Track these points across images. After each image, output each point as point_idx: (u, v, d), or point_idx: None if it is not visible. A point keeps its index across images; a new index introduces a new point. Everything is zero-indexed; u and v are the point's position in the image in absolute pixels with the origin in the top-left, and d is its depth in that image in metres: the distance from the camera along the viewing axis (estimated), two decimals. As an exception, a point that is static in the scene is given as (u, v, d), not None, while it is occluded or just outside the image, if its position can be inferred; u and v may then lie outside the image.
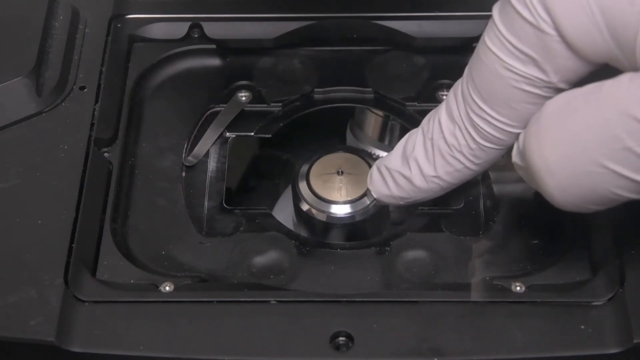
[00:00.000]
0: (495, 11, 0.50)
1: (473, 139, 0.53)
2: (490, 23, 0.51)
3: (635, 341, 0.52)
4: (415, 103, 0.67)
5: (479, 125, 0.52)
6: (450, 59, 0.68)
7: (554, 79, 0.49)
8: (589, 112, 0.47)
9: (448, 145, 0.54)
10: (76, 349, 0.53)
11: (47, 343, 0.52)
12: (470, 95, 0.52)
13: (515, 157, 0.52)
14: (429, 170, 0.56)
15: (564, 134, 0.48)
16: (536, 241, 0.59)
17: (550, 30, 0.48)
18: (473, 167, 0.55)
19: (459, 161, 0.54)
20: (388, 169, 0.58)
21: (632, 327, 0.52)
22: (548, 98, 0.50)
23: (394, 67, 0.68)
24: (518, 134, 0.52)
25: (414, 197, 0.57)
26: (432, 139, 0.55)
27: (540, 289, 0.56)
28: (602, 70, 0.48)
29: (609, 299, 0.54)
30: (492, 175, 0.63)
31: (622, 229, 0.56)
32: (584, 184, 0.48)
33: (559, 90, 0.50)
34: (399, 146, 0.58)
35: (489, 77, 0.51)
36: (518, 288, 0.56)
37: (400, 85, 0.67)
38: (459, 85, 0.54)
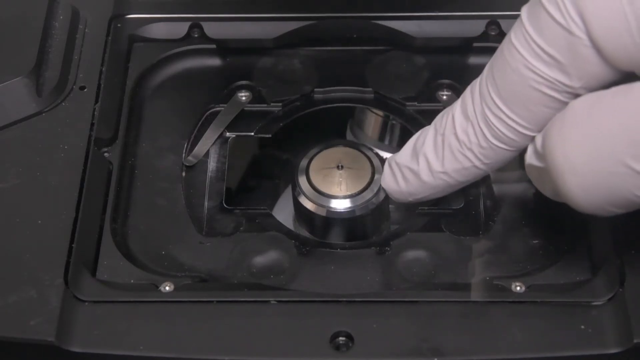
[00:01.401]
0: (524, 11, 0.50)
1: (485, 137, 0.53)
2: (517, 22, 0.50)
3: (635, 341, 0.52)
4: (415, 103, 0.67)
5: (493, 124, 0.52)
6: (450, 59, 0.68)
7: (577, 84, 0.49)
8: (617, 112, 0.47)
9: (459, 142, 0.54)
10: (76, 349, 0.53)
11: (47, 343, 0.52)
12: (489, 92, 0.52)
13: (530, 159, 0.52)
14: (437, 165, 0.56)
15: (590, 133, 0.48)
16: (536, 241, 0.59)
17: (580, 33, 0.47)
18: (481, 166, 0.55)
19: (468, 159, 0.54)
20: (398, 164, 0.58)
21: (632, 327, 0.52)
22: (566, 104, 0.50)
23: (394, 67, 0.68)
24: (529, 139, 0.52)
25: (421, 193, 0.57)
26: (443, 135, 0.55)
27: (540, 289, 0.56)
28: (624, 81, 0.48)
29: (609, 299, 0.54)
30: (492, 175, 0.63)
31: (622, 229, 0.56)
32: (607, 185, 0.48)
33: (578, 97, 0.49)
34: (410, 142, 0.58)
35: (510, 76, 0.51)
36: (518, 288, 0.56)
37: (400, 85, 0.67)
38: (477, 82, 0.54)
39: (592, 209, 0.50)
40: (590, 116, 0.48)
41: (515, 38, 0.50)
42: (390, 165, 0.59)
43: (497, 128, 0.52)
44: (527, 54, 0.50)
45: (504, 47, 0.51)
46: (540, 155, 0.51)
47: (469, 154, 0.54)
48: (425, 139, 0.56)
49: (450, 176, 0.56)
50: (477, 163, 0.54)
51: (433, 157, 0.56)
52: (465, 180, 0.56)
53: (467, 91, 0.54)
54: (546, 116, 0.51)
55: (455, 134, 0.54)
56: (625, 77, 0.49)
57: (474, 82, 0.54)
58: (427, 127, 0.57)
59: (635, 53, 0.47)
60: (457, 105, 0.55)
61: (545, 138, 0.50)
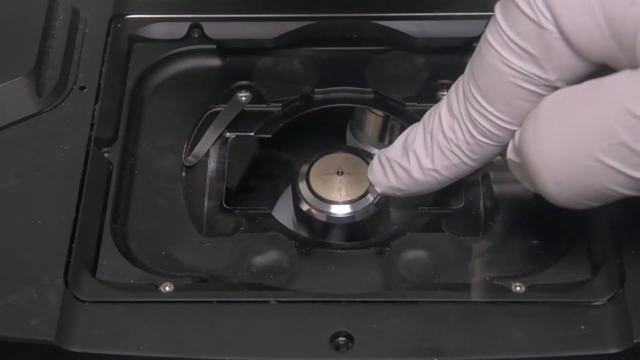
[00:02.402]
0: (498, 7, 0.51)
1: (471, 134, 0.53)
2: (492, 19, 0.51)
3: (635, 341, 0.52)
4: (415, 103, 0.67)
5: (476, 120, 0.53)
6: (450, 59, 0.68)
7: (552, 76, 0.49)
8: (587, 107, 0.47)
9: (446, 139, 0.55)
10: (76, 349, 0.53)
11: (47, 343, 0.52)
12: (470, 90, 0.52)
13: (510, 154, 0.53)
14: (427, 163, 0.56)
15: (562, 128, 0.48)
16: (536, 241, 0.59)
17: (550, 26, 0.48)
18: (469, 162, 0.55)
19: (456, 155, 0.55)
20: (388, 159, 0.58)
21: (632, 327, 0.52)
22: (545, 97, 0.50)
23: (394, 67, 0.68)
24: (512, 133, 0.52)
25: (411, 189, 0.58)
26: (431, 133, 0.55)
27: (540, 289, 0.56)
28: (600, 73, 0.49)
29: (609, 299, 0.54)
30: (492, 175, 0.63)
31: (622, 229, 0.56)
32: (580, 179, 0.48)
33: (557, 90, 0.50)
34: (401, 138, 0.58)
35: (488, 73, 0.51)
36: (518, 288, 0.56)
37: (400, 85, 0.67)
38: (460, 80, 0.54)
39: (567, 202, 0.50)
40: (562, 111, 0.48)
41: (490, 35, 0.51)
42: (380, 160, 0.59)
43: (481, 124, 0.53)
44: (502, 49, 0.50)
45: (481, 44, 0.52)
46: (518, 151, 0.51)
47: (457, 150, 0.55)
48: (415, 136, 0.57)
49: (440, 173, 0.56)
50: (465, 159, 0.55)
51: (423, 154, 0.56)
52: (455, 176, 0.56)
53: (452, 89, 0.55)
54: (527, 110, 0.51)
55: (443, 132, 0.55)
56: (602, 69, 0.49)
57: (457, 80, 0.54)
58: (416, 124, 0.57)
59: (604, 46, 0.47)
60: (444, 103, 0.55)
61: (520, 134, 0.51)
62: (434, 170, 0.56)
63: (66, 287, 0.55)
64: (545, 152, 0.49)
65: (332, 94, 0.68)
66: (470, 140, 0.54)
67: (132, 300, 0.55)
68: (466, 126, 0.53)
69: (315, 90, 0.68)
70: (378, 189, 0.60)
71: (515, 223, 0.61)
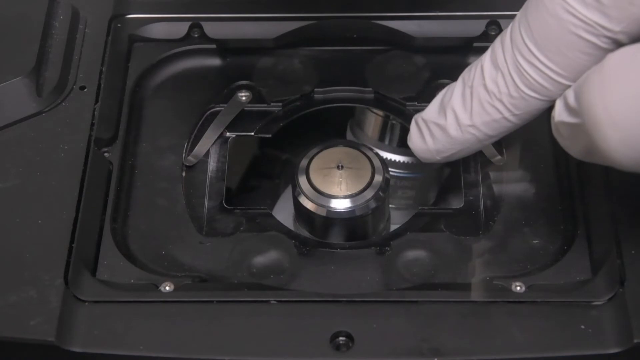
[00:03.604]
0: None
1: (516, 86, 0.52)
2: None
3: (635, 341, 0.52)
4: (415, 103, 0.67)
5: (525, 71, 0.51)
6: (450, 59, 0.68)
7: (617, 27, 0.48)
8: None
9: (488, 93, 0.53)
10: (76, 348, 0.53)
11: (47, 343, 0.52)
12: (522, 38, 0.51)
13: (560, 115, 0.50)
14: (465, 119, 0.54)
15: (632, 85, 0.46)
16: (536, 241, 0.59)
17: None
18: (511, 117, 0.53)
19: (498, 110, 0.53)
20: (424, 121, 0.56)
21: (632, 327, 0.52)
22: (604, 51, 0.48)
23: (394, 67, 0.68)
24: (563, 87, 0.50)
25: (449, 150, 0.56)
26: (471, 87, 0.54)
27: (540, 289, 0.56)
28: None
29: (609, 299, 0.54)
30: (492, 175, 0.63)
31: (622, 229, 0.56)
32: None
33: (617, 44, 0.48)
34: (437, 98, 0.56)
35: (546, 20, 0.49)
36: (518, 288, 0.56)
37: (400, 85, 0.67)
38: (507, 31, 0.52)
39: (632, 165, 0.48)
40: (632, 67, 0.46)
41: None
42: (416, 123, 0.57)
43: (530, 75, 0.51)
44: None
45: None
46: (573, 110, 0.49)
47: (498, 105, 0.53)
48: (452, 92, 0.55)
49: (479, 130, 0.54)
50: (507, 114, 0.53)
51: (461, 110, 0.54)
52: (495, 134, 0.54)
53: (497, 41, 0.53)
54: (582, 63, 0.49)
55: (485, 85, 0.53)
56: None
57: (503, 31, 0.53)
58: (453, 83, 0.56)
59: None
60: (487, 56, 0.53)
61: (582, 91, 0.48)
62: (472, 126, 0.54)
63: (66, 287, 0.55)
64: (614, 110, 0.47)
65: (332, 94, 0.68)
66: (514, 93, 0.52)
67: (132, 300, 0.55)
68: (512, 78, 0.52)
69: (315, 90, 0.68)
70: (417, 154, 0.58)
71: (515, 223, 0.61)
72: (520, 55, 0.51)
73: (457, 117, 0.54)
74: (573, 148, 0.51)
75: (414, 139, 0.58)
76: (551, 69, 0.50)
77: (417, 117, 0.58)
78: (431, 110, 0.56)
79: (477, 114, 0.54)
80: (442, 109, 0.55)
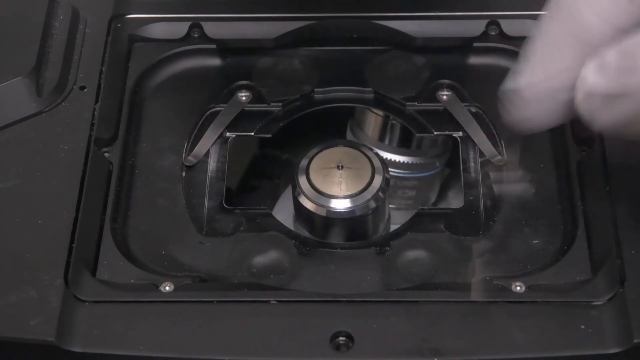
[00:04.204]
0: None
1: None
2: None
3: (635, 341, 0.52)
4: (415, 103, 0.67)
5: None
6: (450, 59, 0.68)
7: None
8: None
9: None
10: (76, 349, 0.53)
11: (47, 343, 0.52)
12: None
13: (596, 81, 0.45)
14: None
15: None
16: (536, 241, 0.59)
17: None
18: None
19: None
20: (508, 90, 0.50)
21: (632, 327, 0.52)
22: None
23: (394, 67, 0.68)
24: None
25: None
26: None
27: (540, 289, 0.56)
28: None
29: (609, 299, 0.54)
30: (492, 175, 0.63)
31: (622, 229, 0.56)
32: None
33: None
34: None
35: None
36: (518, 288, 0.56)
37: (400, 85, 0.67)
38: None
39: None
40: None
41: None
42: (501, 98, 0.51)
43: None
44: None
45: None
46: (617, 73, 0.44)
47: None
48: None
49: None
50: None
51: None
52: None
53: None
54: None
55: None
56: None
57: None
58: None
59: None
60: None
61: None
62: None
63: (66, 287, 0.55)
64: None
65: (332, 94, 0.68)
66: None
67: (132, 300, 0.55)
68: None
69: (315, 90, 0.68)
70: (518, 126, 0.52)
71: (515, 223, 0.61)
72: None
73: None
74: (604, 120, 0.46)
75: (509, 111, 0.51)
76: None
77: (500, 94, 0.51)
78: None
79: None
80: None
